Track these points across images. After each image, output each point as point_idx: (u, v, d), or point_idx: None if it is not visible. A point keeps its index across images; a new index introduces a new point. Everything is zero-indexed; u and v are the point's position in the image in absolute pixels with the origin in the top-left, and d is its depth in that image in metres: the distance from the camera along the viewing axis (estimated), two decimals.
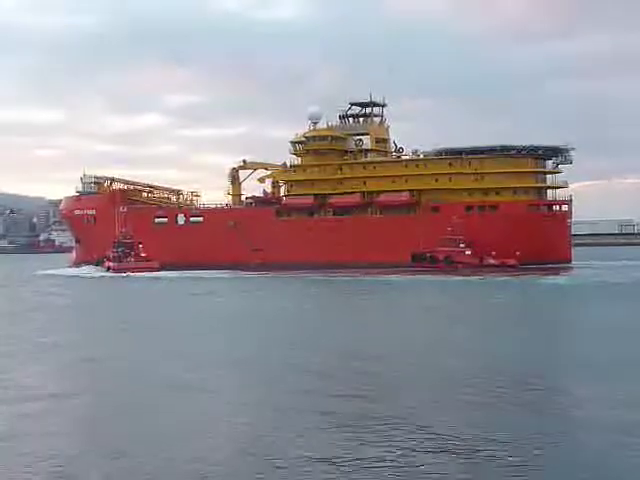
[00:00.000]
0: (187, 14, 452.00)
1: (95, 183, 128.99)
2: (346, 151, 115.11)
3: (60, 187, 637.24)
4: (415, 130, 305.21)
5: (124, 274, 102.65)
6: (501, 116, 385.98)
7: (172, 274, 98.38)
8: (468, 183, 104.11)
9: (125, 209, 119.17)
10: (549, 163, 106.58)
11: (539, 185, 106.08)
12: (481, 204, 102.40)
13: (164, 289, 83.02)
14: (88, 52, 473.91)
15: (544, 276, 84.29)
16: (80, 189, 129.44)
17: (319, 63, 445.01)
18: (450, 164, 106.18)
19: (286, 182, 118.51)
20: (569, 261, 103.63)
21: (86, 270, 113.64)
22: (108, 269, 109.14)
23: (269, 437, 20.26)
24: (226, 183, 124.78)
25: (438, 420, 21.39)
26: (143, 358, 34.36)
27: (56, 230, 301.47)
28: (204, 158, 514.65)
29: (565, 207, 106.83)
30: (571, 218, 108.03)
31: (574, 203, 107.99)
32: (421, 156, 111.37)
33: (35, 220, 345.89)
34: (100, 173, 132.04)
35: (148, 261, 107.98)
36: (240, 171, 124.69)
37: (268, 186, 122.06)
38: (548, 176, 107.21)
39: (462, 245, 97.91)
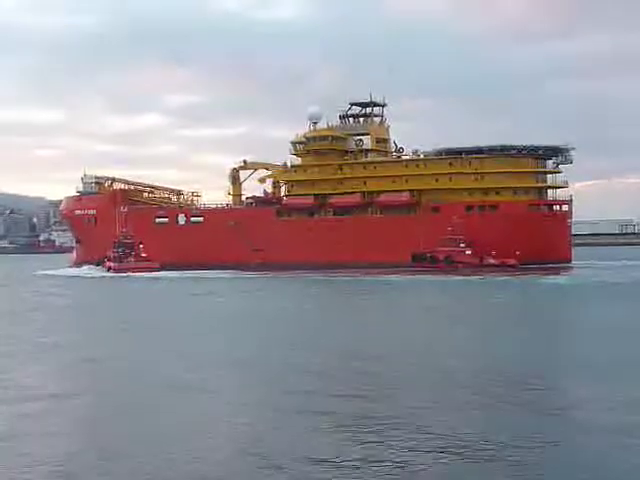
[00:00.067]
0: (187, 14, 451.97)
1: (96, 183, 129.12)
2: (346, 151, 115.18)
3: (60, 187, 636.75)
4: (415, 130, 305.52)
5: (124, 274, 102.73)
6: (501, 116, 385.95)
7: (172, 274, 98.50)
8: (468, 183, 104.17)
9: (126, 209, 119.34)
10: (549, 163, 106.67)
11: (539, 185, 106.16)
12: (481, 204, 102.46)
13: (164, 289, 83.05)
14: (88, 52, 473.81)
15: (544, 276, 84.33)
16: (81, 189, 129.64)
17: (319, 63, 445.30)
18: (450, 164, 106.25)
19: (286, 182, 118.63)
20: (569, 261, 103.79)
21: (86, 270, 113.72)
22: (109, 269, 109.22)
23: (269, 437, 20.27)
24: (226, 183, 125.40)
25: (438, 420, 21.39)
26: (143, 358, 34.36)
27: (56, 230, 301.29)
28: (204, 158, 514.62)
29: (565, 207, 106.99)
30: (571, 218, 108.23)
31: (574, 203, 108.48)
32: (421, 156, 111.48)
33: (35, 220, 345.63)
34: (100, 173, 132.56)
35: (148, 261, 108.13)
36: (240, 171, 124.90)
37: (268, 186, 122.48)
38: (548, 176, 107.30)
39: (462, 245, 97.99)
